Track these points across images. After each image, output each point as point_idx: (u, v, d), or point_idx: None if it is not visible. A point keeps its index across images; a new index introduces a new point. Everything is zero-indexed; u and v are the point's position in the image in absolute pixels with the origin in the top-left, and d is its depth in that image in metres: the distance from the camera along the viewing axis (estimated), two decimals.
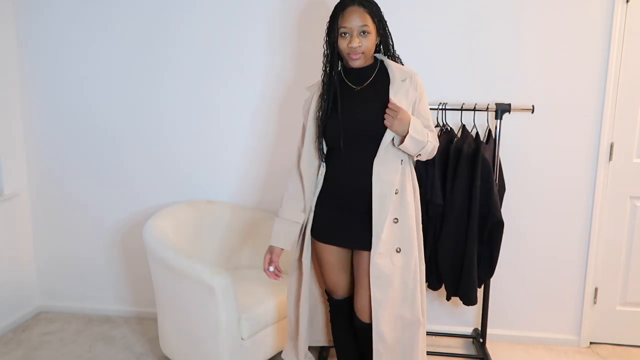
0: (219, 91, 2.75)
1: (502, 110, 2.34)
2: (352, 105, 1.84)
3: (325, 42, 1.85)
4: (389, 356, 1.84)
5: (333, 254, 1.93)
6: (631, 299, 2.67)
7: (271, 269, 1.96)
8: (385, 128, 1.78)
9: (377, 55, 1.91)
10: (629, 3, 2.42)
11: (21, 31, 2.81)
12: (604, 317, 2.70)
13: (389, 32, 1.88)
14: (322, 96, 1.87)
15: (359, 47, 1.76)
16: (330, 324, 2.09)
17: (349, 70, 1.87)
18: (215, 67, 2.73)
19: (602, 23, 2.44)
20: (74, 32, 2.79)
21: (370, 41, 1.79)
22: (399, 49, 2.61)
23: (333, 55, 1.84)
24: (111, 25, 2.76)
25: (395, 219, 1.81)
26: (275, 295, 2.33)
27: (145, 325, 2.90)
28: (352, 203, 1.86)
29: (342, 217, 1.88)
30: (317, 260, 1.99)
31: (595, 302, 2.69)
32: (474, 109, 2.38)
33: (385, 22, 1.85)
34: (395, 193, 1.80)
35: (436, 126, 2.46)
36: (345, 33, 1.77)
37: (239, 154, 2.80)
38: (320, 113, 1.86)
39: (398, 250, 1.82)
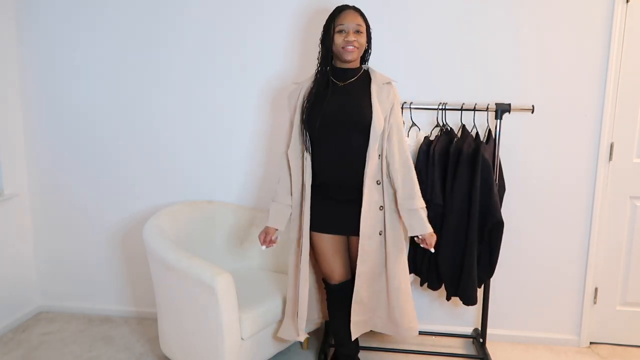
0: (219, 91, 2.75)
1: (502, 110, 2.34)
2: (337, 96, 2.06)
3: (321, 42, 2.09)
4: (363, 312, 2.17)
5: (328, 241, 2.13)
6: (631, 299, 2.67)
7: (264, 245, 2.19)
8: (367, 120, 2.01)
9: (362, 65, 2.17)
10: (629, 3, 2.42)
11: (21, 31, 2.81)
12: (604, 317, 2.70)
13: (371, 42, 2.13)
14: (311, 89, 2.09)
15: (355, 41, 2.01)
16: (324, 302, 2.31)
17: (336, 70, 2.10)
18: (215, 67, 2.73)
19: (602, 23, 2.44)
20: (74, 33, 2.79)
21: (362, 39, 2.05)
22: (399, 49, 2.63)
23: (327, 54, 2.08)
24: (112, 26, 2.76)
25: (381, 206, 2.09)
26: (275, 295, 2.33)
27: (145, 325, 2.90)
28: (340, 192, 2.09)
29: (334, 206, 2.11)
30: (313, 249, 2.16)
31: (595, 302, 2.69)
32: (474, 109, 2.38)
33: (371, 32, 2.11)
34: (378, 183, 2.07)
35: (436, 126, 2.46)
36: (342, 30, 2.02)
37: (239, 154, 2.80)
38: (307, 103, 2.08)
39: (380, 232, 2.11)
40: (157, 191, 2.88)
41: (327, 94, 2.05)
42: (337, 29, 2.01)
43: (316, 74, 2.11)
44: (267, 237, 2.17)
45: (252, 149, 2.79)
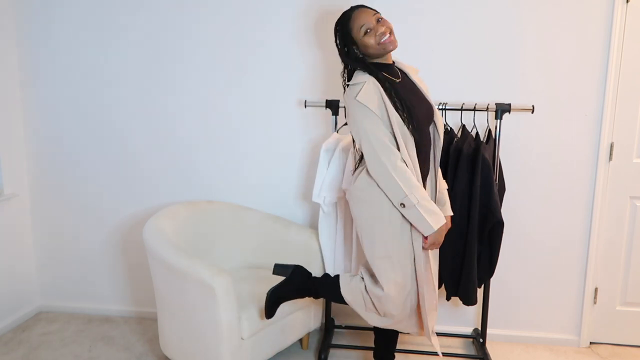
0: (222, 91, 2.75)
1: (502, 110, 2.34)
2: (410, 95, 1.94)
3: (347, 55, 1.94)
4: None
5: None
6: (631, 299, 2.67)
7: None
8: (433, 114, 2.00)
9: None
10: (629, 3, 2.42)
11: (21, 31, 2.81)
12: (604, 317, 2.70)
13: None
14: (385, 88, 1.88)
15: (387, 29, 1.87)
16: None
17: (381, 67, 1.94)
18: (220, 67, 2.72)
19: (602, 23, 2.44)
20: (74, 31, 2.79)
21: (388, 22, 1.90)
22: (399, 49, 2.62)
23: (364, 59, 1.92)
24: (112, 24, 2.75)
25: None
26: None
27: (145, 325, 2.91)
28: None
29: None
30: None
31: (595, 302, 2.69)
32: (474, 109, 2.38)
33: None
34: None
35: None
36: (367, 30, 1.87)
37: (240, 154, 2.80)
38: (398, 105, 1.87)
39: None
40: (157, 191, 2.88)
41: (400, 91, 1.90)
42: (360, 32, 1.87)
43: (372, 74, 1.90)
44: None
45: (254, 149, 2.79)
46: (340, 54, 1.97)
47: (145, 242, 2.29)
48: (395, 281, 1.93)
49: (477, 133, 2.41)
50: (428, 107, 1.99)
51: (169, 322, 2.32)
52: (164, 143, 2.83)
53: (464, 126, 2.43)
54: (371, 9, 1.92)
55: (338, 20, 1.95)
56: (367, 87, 1.87)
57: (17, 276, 2.92)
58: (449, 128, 2.43)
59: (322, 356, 2.50)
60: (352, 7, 1.94)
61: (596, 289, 2.68)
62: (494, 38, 2.52)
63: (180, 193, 2.86)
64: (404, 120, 1.85)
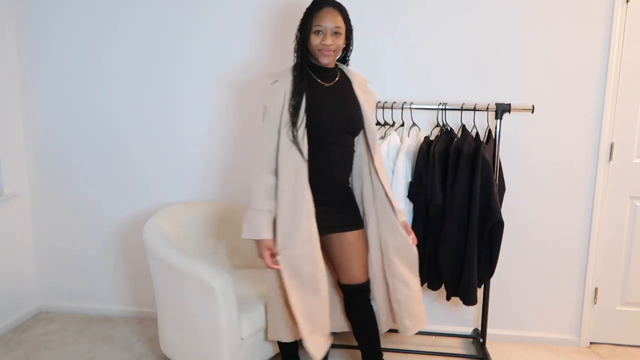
0: (222, 92, 2.75)
1: (502, 110, 2.34)
2: (329, 100, 1.96)
3: (296, 38, 1.96)
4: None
5: (348, 240, 2.06)
6: (631, 299, 2.67)
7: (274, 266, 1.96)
8: (360, 124, 2.01)
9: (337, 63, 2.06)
10: (629, 3, 2.42)
11: (21, 31, 2.81)
12: (604, 317, 2.70)
13: (352, 40, 2.02)
14: (295, 90, 1.91)
15: (332, 45, 1.89)
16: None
17: (316, 69, 1.98)
18: (220, 67, 2.72)
19: (603, 23, 2.44)
20: (74, 31, 2.79)
21: (341, 41, 1.93)
22: (399, 48, 2.62)
23: (303, 51, 1.94)
24: (112, 23, 2.75)
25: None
26: None
27: (145, 325, 2.91)
28: (337, 193, 2.05)
29: (334, 206, 2.04)
30: (336, 253, 2.06)
31: (595, 302, 2.69)
32: (474, 109, 2.38)
33: (352, 29, 1.99)
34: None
35: (436, 126, 2.46)
36: (319, 31, 1.89)
37: (239, 154, 2.80)
38: (297, 107, 1.90)
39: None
40: (157, 191, 2.88)
41: (317, 95, 1.93)
42: (313, 29, 1.88)
43: (295, 73, 1.94)
44: (273, 254, 1.94)
45: (253, 149, 2.79)
46: (296, 34, 1.97)
47: (145, 242, 2.29)
48: (268, 289, 2.07)
49: (477, 133, 2.41)
50: (351, 115, 2.00)
51: (169, 322, 2.32)
52: (164, 143, 2.83)
53: (464, 126, 2.43)
54: (341, 15, 1.90)
55: (309, 6, 1.92)
56: (277, 85, 1.94)
57: (17, 276, 2.92)
58: (448, 128, 2.43)
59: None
60: (325, 1, 1.90)
61: (596, 289, 2.68)
62: (494, 38, 2.52)
63: (180, 193, 2.86)
64: (291, 122, 1.88)
